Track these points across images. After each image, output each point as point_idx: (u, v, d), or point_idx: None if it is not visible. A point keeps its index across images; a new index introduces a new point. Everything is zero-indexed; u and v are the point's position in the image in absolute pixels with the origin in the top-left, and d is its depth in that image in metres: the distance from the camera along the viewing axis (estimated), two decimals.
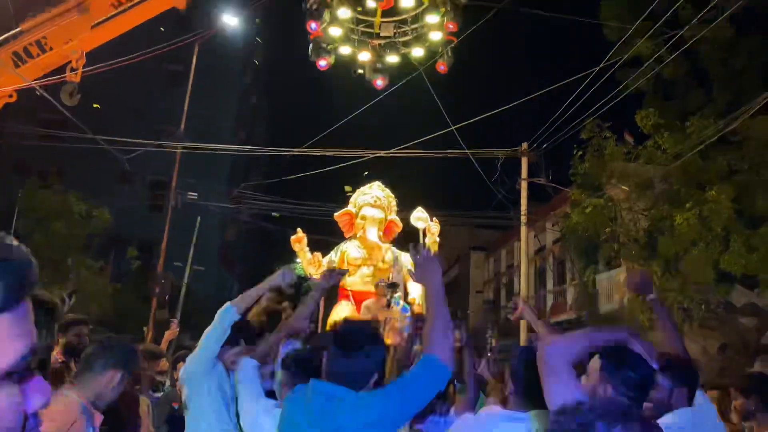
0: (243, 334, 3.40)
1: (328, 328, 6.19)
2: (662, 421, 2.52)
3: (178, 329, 6.03)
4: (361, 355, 2.22)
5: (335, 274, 3.86)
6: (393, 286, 6.95)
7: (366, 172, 11.78)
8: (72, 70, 8.77)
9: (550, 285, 21.10)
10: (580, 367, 2.32)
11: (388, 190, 8.17)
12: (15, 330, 0.71)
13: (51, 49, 8.60)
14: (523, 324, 15.42)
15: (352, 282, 7.38)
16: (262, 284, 3.45)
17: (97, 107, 12.43)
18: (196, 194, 18.43)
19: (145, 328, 14.57)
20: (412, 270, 2.51)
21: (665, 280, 11.37)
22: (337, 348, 2.26)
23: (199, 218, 20.04)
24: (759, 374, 4.64)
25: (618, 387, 2.21)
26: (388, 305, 6.75)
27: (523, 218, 15.03)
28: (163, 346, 6.03)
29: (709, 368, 13.14)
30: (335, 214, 8.11)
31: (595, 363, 2.30)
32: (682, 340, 3.11)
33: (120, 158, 14.91)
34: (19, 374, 0.71)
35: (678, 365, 2.70)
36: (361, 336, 2.28)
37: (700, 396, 2.69)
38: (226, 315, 3.23)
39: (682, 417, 2.55)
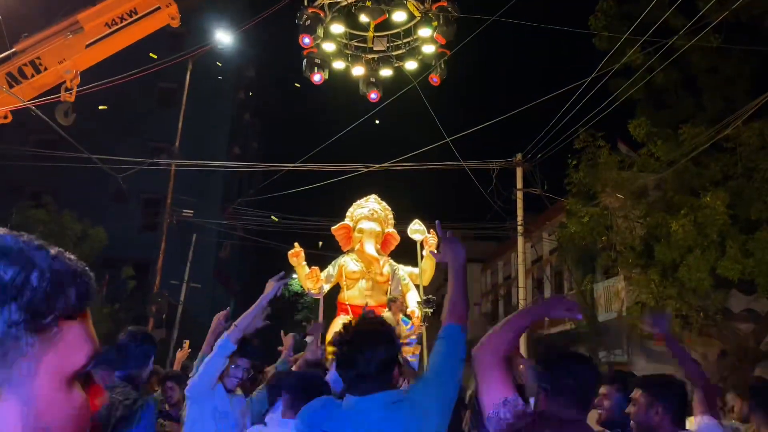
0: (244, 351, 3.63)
1: (327, 341, 6.15)
2: None
3: (189, 350, 5.99)
4: (370, 355, 2.17)
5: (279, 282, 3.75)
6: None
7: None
8: (66, 89, 8.78)
9: (547, 295, 21.08)
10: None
11: (384, 203, 8.18)
12: (83, 335, 0.79)
13: (45, 69, 8.61)
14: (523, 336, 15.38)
15: (351, 296, 7.36)
16: (254, 306, 3.54)
17: (103, 108, 12.36)
18: (191, 212, 18.38)
19: None
20: (435, 250, 2.62)
21: (663, 288, 11.38)
22: (360, 351, 2.19)
23: (195, 235, 19.98)
24: (757, 379, 4.67)
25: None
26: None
27: (520, 229, 15.04)
28: (177, 367, 6.03)
29: (710, 376, 13.12)
30: (332, 227, 8.10)
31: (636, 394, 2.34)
32: (699, 367, 3.15)
33: (115, 176, 14.86)
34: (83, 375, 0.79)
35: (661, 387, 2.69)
36: (371, 335, 2.25)
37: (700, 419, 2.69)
38: (225, 349, 3.45)
39: None
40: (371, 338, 2.20)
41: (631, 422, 2.70)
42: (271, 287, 3.56)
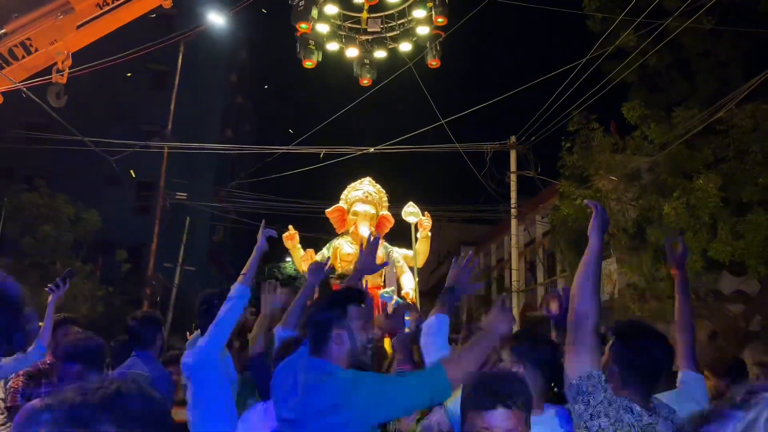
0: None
1: None
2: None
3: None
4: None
5: (323, 268, 3.82)
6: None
7: None
8: (58, 71, 8.70)
9: (540, 278, 21.22)
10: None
11: (378, 186, 8.18)
12: None
13: (36, 50, 8.52)
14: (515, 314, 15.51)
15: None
16: (254, 254, 3.49)
17: (84, 106, 12.31)
18: (185, 194, 18.34)
19: None
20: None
21: (655, 270, 11.48)
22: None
23: (188, 218, 19.96)
24: (733, 358, 4.75)
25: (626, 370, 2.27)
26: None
27: (513, 211, 15.10)
28: None
29: (701, 357, 13.28)
30: (327, 210, 8.12)
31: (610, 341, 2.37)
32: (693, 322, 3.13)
33: (107, 159, 14.79)
34: None
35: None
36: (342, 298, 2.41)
37: (683, 375, 2.74)
38: (243, 298, 3.24)
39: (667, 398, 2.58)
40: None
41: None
42: (260, 235, 3.54)
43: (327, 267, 3.72)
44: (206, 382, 3.12)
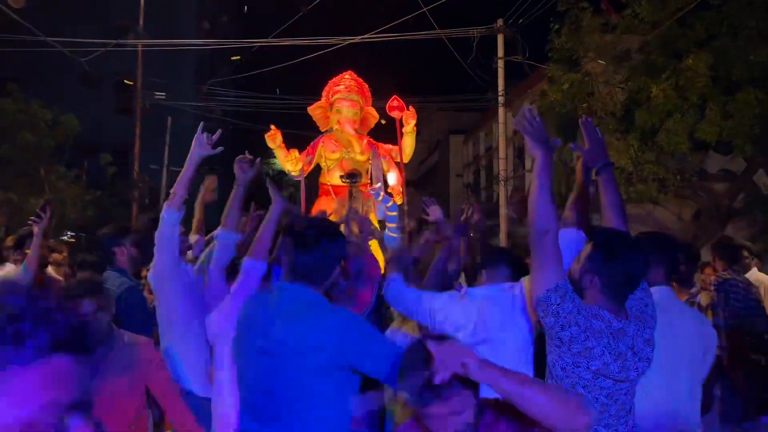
0: None
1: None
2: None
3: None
4: (318, 252, 2.33)
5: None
6: (351, 177, 7.01)
7: None
8: None
9: (528, 165, 21.24)
10: None
11: (361, 80, 7.92)
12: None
13: None
14: (502, 205, 15.68)
15: (332, 177, 7.34)
16: (187, 164, 3.47)
17: (49, 5, 11.62)
18: (163, 95, 17.83)
19: None
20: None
21: (641, 153, 11.47)
22: (295, 246, 2.35)
23: (170, 118, 19.53)
24: (724, 238, 5.00)
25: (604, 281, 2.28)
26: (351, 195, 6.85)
27: (501, 99, 14.82)
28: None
29: (683, 234, 13.61)
30: (308, 107, 7.90)
31: (586, 249, 2.37)
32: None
33: (78, 61, 14.19)
34: None
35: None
36: (318, 232, 2.37)
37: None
38: (172, 222, 3.28)
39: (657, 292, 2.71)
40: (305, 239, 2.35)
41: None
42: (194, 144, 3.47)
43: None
44: (164, 292, 3.35)
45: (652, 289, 2.60)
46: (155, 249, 3.34)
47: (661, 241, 2.85)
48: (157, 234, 3.32)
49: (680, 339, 2.66)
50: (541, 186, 2.35)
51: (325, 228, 2.43)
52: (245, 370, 2.40)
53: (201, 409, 3.00)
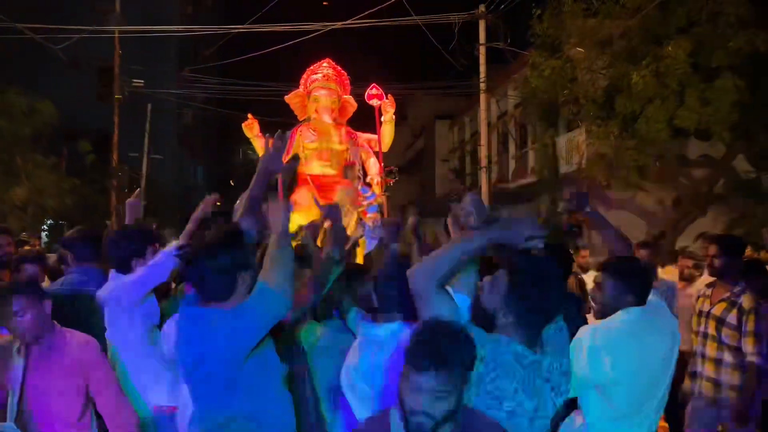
0: None
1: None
2: (613, 318, 2.58)
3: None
4: (209, 267, 2.21)
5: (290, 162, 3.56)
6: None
7: None
8: None
9: (512, 150, 21.27)
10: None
11: (339, 68, 7.82)
12: None
13: None
14: (485, 190, 15.70)
15: (310, 166, 7.27)
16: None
17: None
18: (141, 82, 17.55)
19: (108, 222, 14.45)
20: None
21: (622, 140, 11.51)
22: (188, 266, 2.26)
23: (149, 105, 19.26)
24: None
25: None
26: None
27: (482, 85, 14.76)
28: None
29: (664, 220, 13.74)
30: (286, 97, 7.79)
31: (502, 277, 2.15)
32: (627, 241, 3.00)
33: (52, 48, 13.90)
34: None
35: (625, 271, 2.64)
36: (202, 246, 2.25)
37: (651, 294, 2.66)
38: (168, 264, 2.98)
39: (632, 315, 2.57)
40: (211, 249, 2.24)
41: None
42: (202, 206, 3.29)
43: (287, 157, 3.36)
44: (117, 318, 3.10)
45: (622, 312, 2.55)
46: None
47: (629, 266, 2.72)
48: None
49: (649, 366, 2.51)
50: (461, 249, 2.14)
51: (212, 239, 2.29)
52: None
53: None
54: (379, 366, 2.43)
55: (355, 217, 6.74)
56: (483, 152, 15.60)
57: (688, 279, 5.72)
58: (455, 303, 2.17)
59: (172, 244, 3.00)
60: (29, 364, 2.72)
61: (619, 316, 2.57)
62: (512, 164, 20.93)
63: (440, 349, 1.73)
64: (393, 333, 2.48)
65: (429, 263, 2.14)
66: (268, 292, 2.22)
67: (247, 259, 2.32)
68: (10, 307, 2.67)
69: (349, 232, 4.54)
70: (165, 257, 2.94)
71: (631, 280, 2.62)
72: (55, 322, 2.83)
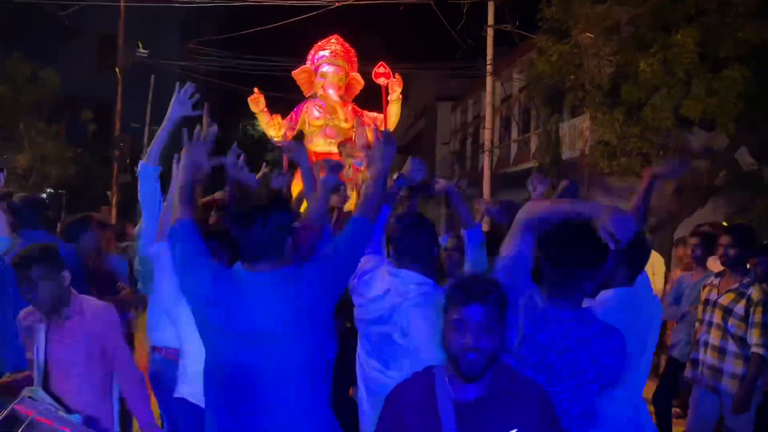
0: None
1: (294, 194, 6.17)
2: (600, 298, 2.61)
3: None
4: (256, 229, 2.15)
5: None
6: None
7: None
8: None
9: (515, 134, 21.22)
10: None
11: (347, 44, 7.80)
12: None
13: None
14: (486, 174, 15.71)
15: (315, 143, 7.29)
16: (165, 123, 3.25)
17: None
18: (146, 52, 17.42)
19: (108, 192, 14.46)
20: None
21: (626, 127, 11.49)
22: (235, 228, 2.20)
23: (153, 76, 19.12)
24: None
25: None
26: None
27: (489, 68, 14.69)
28: None
29: (663, 210, 13.75)
30: (293, 72, 7.78)
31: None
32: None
33: (58, 15, 13.78)
34: None
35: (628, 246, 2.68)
36: (252, 207, 2.20)
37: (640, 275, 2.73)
38: (147, 174, 3.19)
39: (620, 294, 2.63)
40: (260, 212, 2.19)
41: None
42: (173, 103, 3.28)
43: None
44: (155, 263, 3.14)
45: (613, 291, 2.59)
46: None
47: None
48: (139, 193, 3.26)
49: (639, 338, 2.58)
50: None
51: (260, 200, 2.25)
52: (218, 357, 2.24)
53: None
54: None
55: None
56: (487, 136, 15.56)
57: (688, 268, 5.77)
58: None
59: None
60: (49, 336, 2.74)
61: (609, 295, 2.63)
62: (514, 148, 20.89)
63: (481, 287, 1.93)
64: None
65: (545, 209, 2.32)
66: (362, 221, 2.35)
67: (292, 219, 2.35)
68: (30, 276, 2.68)
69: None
70: None
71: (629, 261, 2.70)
72: (73, 290, 2.85)
